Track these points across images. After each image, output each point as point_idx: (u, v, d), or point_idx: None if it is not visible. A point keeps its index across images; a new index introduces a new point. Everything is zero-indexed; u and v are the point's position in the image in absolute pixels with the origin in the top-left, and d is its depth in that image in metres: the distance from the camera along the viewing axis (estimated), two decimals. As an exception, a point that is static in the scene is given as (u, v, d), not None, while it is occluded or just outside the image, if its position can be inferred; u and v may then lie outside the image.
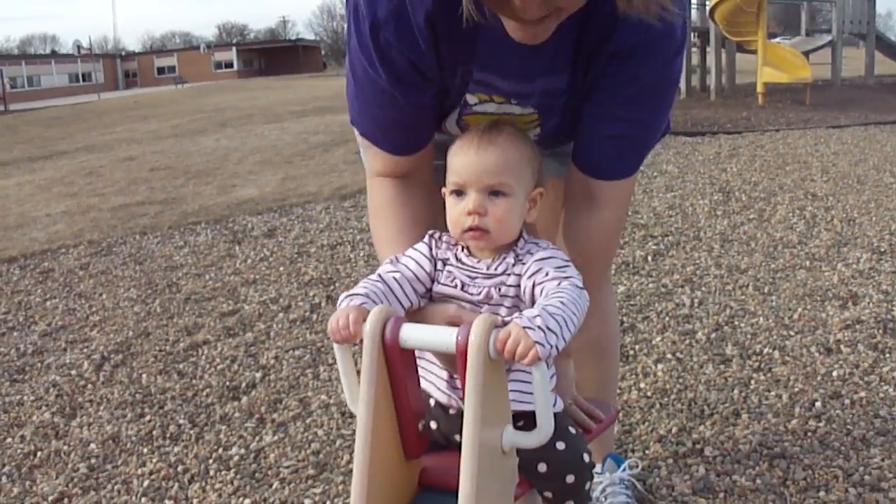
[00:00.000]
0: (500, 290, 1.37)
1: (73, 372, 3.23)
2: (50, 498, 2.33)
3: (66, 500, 2.32)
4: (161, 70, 66.01)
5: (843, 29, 13.36)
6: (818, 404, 2.57)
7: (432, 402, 1.45)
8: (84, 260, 4.99)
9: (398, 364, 1.30)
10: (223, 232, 5.48)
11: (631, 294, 3.67)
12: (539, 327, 1.17)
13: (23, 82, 52.68)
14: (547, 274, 1.32)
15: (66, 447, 2.63)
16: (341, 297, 1.33)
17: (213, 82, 48.75)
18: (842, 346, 3.00)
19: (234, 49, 70.86)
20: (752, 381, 2.76)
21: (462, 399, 1.34)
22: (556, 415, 1.30)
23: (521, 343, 1.16)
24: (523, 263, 1.37)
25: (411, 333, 1.27)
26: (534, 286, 1.33)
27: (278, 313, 3.75)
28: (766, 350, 3.00)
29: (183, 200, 6.78)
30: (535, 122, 1.52)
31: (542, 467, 1.38)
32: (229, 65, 66.94)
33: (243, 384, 3.00)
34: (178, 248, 5.11)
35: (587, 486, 1.44)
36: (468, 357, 1.19)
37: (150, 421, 2.77)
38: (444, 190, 1.41)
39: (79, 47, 57.36)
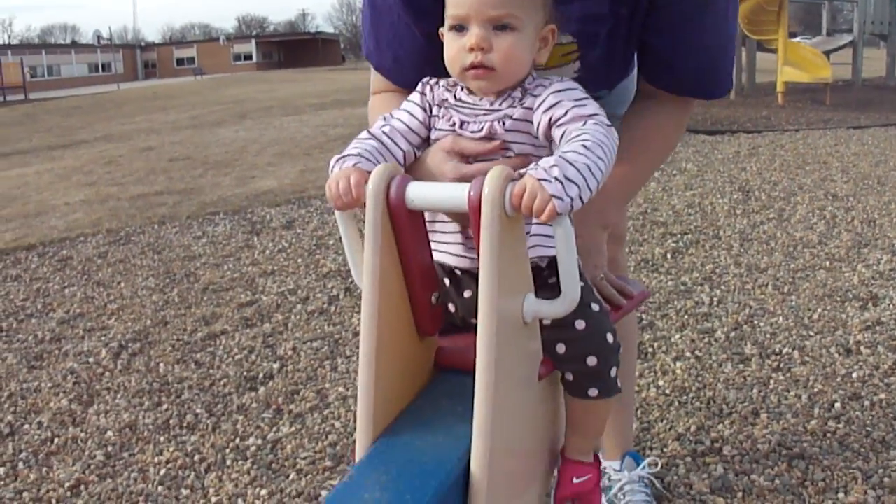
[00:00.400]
0: (503, 123, 1.23)
1: (91, 360, 3.24)
2: (66, 484, 2.34)
3: (82, 487, 2.33)
4: (180, 61, 66.25)
5: (864, 29, 13.25)
6: (837, 405, 2.55)
7: (447, 281, 1.31)
8: (102, 248, 5.01)
9: (406, 228, 1.17)
10: (241, 223, 5.49)
11: (650, 291, 3.65)
12: (556, 178, 1.03)
13: (43, 72, 52.98)
14: (566, 112, 1.18)
15: (83, 434, 2.64)
16: (332, 162, 1.22)
17: (232, 74, 48.89)
18: (861, 348, 2.97)
19: (253, 41, 71.01)
20: (772, 381, 2.74)
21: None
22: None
23: (538, 197, 1.03)
24: (534, 96, 1.23)
25: (419, 192, 1.14)
26: (550, 124, 1.20)
27: (296, 305, 3.75)
28: (785, 350, 2.98)
29: (201, 191, 6.80)
30: (575, 55, 1.44)
31: (561, 348, 1.26)
32: (248, 57, 67.11)
33: (261, 375, 3.00)
34: (197, 239, 5.12)
35: (613, 373, 1.30)
36: (482, 214, 1.06)
37: (167, 410, 2.78)
38: (441, 29, 1.27)
39: (99, 37, 57.67)
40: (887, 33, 13.71)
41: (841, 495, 2.10)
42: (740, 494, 2.11)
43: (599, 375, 1.29)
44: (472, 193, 1.08)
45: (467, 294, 1.29)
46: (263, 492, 2.25)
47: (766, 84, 11.90)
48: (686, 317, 3.35)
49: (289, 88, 23.59)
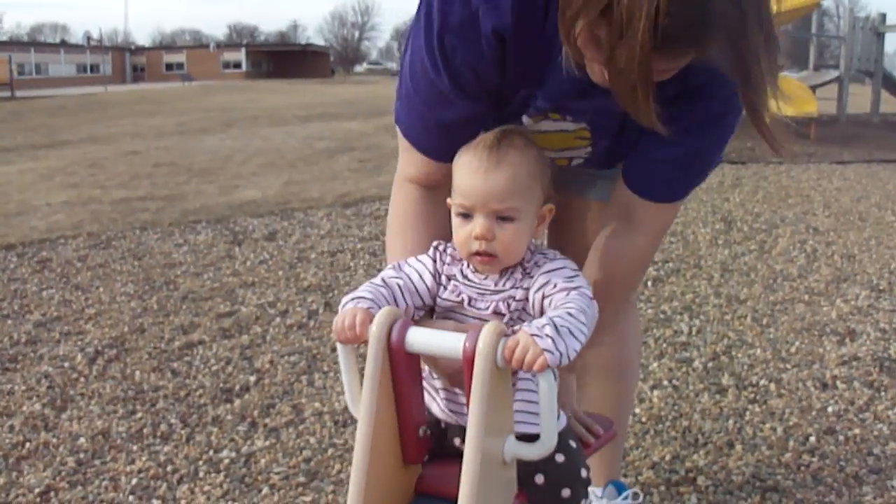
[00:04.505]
0: (508, 304, 1.35)
1: (66, 364, 3.22)
2: (36, 490, 2.31)
3: (52, 494, 2.31)
4: (169, 66, 65.99)
5: (850, 65, 13.40)
6: (812, 439, 2.57)
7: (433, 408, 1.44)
8: (82, 252, 4.98)
9: (403, 368, 1.28)
10: (223, 232, 5.47)
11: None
12: (548, 335, 1.16)
13: (31, 69, 52.64)
14: (555, 286, 1.30)
15: (54, 440, 2.61)
16: (346, 299, 1.32)
17: (220, 81, 48.80)
18: (838, 382, 2.99)
19: (243, 49, 70.87)
20: (748, 413, 2.75)
21: (462, 415, 1.34)
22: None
23: (530, 351, 1.15)
24: (531, 276, 1.35)
25: (418, 337, 1.26)
26: (542, 298, 1.32)
27: (275, 317, 3.74)
28: (762, 382, 2.99)
29: (184, 198, 6.78)
30: (587, 141, 1.49)
31: (540, 479, 1.36)
32: (237, 65, 66.97)
33: (237, 387, 2.98)
34: (178, 246, 5.10)
35: (582, 503, 1.42)
36: (475, 364, 1.18)
37: (141, 418, 2.75)
38: (449, 200, 1.38)
39: (88, 38, 57.55)
40: (873, 70, 13.86)
41: (813, 530, 2.10)
42: (713, 526, 2.12)
43: None
44: (467, 344, 1.20)
45: (456, 442, 1.40)
46: (235, 505, 2.23)
47: (751, 116, 11.97)
48: (664, 345, 3.36)
49: (276, 99, 23.57)
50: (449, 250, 1.42)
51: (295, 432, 2.64)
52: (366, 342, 1.27)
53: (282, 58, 70.68)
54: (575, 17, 1.11)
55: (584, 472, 1.41)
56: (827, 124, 12.55)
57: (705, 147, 1.46)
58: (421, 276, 1.40)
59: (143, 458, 2.48)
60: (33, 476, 2.39)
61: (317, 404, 2.83)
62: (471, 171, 1.33)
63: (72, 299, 4.06)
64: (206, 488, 2.32)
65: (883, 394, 2.90)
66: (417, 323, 1.37)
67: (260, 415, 2.77)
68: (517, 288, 1.35)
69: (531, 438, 1.26)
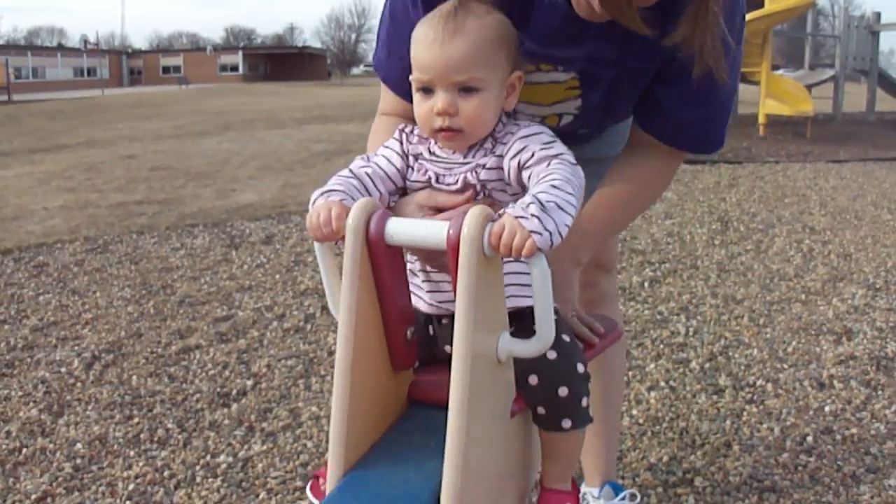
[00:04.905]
0: (477, 173, 1.27)
1: (63, 369, 3.21)
2: (33, 496, 2.31)
3: (49, 500, 2.31)
4: (166, 69, 66.04)
5: (846, 64, 13.42)
6: (809, 439, 2.57)
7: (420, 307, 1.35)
8: (79, 256, 4.97)
9: (384, 263, 1.18)
10: (220, 236, 5.47)
11: (626, 320, 3.66)
12: (533, 215, 1.07)
13: (27, 73, 52.65)
14: (533, 154, 1.22)
15: (51, 445, 2.61)
16: (315, 194, 1.24)
17: (217, 84, 48.80)
18: (835, 382, 2.99)
19: (240, 52, 70.92)
20: (745, 413, 2.75)
21: (452, 302, 1.21)
22: None
23: (517, 235, 1.06)
24: (504, 143, 1.27)
25: (398, 228, 1.16)
26: (520, 168, 1.23)
27: (272, 321, 3.74)
28: (759, 382, 3.00)
29: (182, 202, 6.77)
30: (577, 92, 1.47)
31: (533, 379, 1.27)
32: (235, 68, 67.00)
33: (234, 391, 2.98)
34: (175, 250, 5.10)
35: (584, 403, 1.32)
36: (460, 253, 1.08)
37: (138, 423, 2.75)
38: (411, 77, 1.30)
39: (85, 42, 57.54)
40: (868, 69, 13.89)
41: (810, 531, 2.11)
42: (710, 527, 2.12)
43: (571, 406, 1.31)
44: (451, 232, 1.10)
45: (447, 349, 1.29)
46: (232, 510, 2.23)
47: (748, 115, 11.99)
48: (662, 346, 3.36)
49: (273, 101, 23.57)
50: (416, 131, 1.35)
51: (292, 436, 2.64)
52: (343, 237, 1.18)
53: (279, 60, 70.74)
54: None
55: (580, 368, 1.31)
56: (823, 123, 12.57)
57: (721, 92, 1.43)
58: (389, 161, 1.34)
59: (140, 464, 2.48)
60: (30, 482, 2.39)
61: (314, 408, 2.83)
62: (427, 42, 1.25)
63: (68, 304, 4.06)
64: (204, 493, 2.32)
65: (880, 393, 2.91)
66: (393, 210, 1.29)
67: (257, 419, 2.76)
68: (487, 156, 1.27)
69: (524, 327, 1.18)
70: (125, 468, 2.46)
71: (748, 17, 10.35)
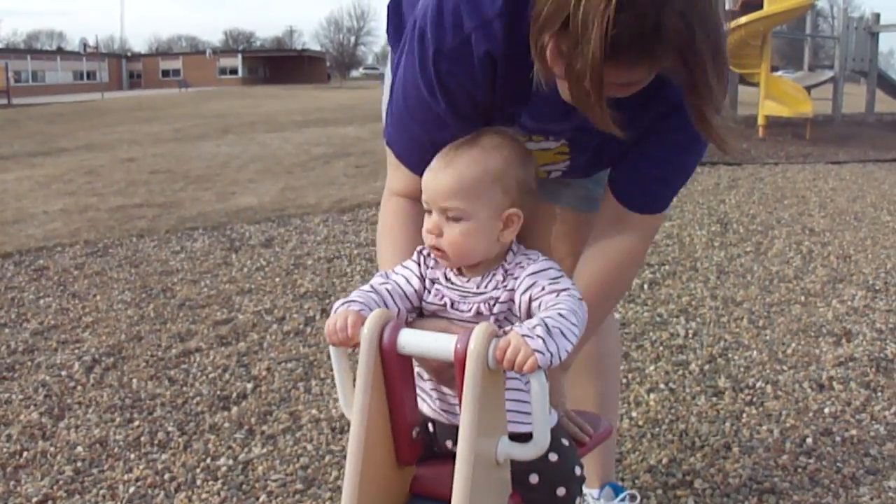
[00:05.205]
0: (490, 305, 1.35)
1: (63, 373, 3.22)
2: (34, 499, 2.31)
3: (50, 503, 2.31)
4: (166, 73, 66.09)
5: (845, 65, 13.42)
6: (809, 440, 2.57)
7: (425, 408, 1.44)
8: (79, 260, 4.98)
9: (395, 370, 1.28)
10: (220, 239, 5.47)
11: (626, 322, 3.67)
12: (539, 336, 1.17)
13: (27, 77, 52.66)
14: (543, 288, 1.31)
15: (52, 448, 2.61)
16: (337, 304, 1.33)
17: (216, 87, 48.81)
18: (834, 383, 3.00)
19: (239, 56, 70.96)
20: (744, 415, 2.76)
21: (454, 414, 1.34)
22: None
23: (521, 351, 1.16)
24: (515, 278, 1.35)
25: (409, 339, 1.26)
26: (530, 301, 1.32)
27: (272, 324, 3.74)
28: (758, 384, 3.00)
29: (181, 205, 6.78)
30: (566, 157, 1.55)
31: (534, 478, 1.37)
32: (234, 71, 67.05)
33: (234, 394, 2.99)
34: (175, 253, 5.10)
35: (577, 501, 1.43)
36: (467, 365, 1.18)
37: (138, 426, 2.75)
38: None
39: (85, 45, 57.55)
40: (867, 70, 13.89)
41: (809, 532, 2.11)
42: (710, 529, 2.12)
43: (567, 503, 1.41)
44: (458, 346, 1.21)
45: (448, 444, 1.41)
46: (233, 513, 2.23)
47: (747, 117, 11.99)
48: (661, 348, 3.36)
49: (273, 105, 23.59)
50: (433, 255, 1.43)
51: (292, 439, 2.64)
52: (358, 344, 1.27)
53: (278, 63, 70.77)
54: (541, 30, 1.22)
55: (578, 470, 1.42)
56: (822, 124, 12.57)
57: (687, 160, 1.53)
58: (408, 280, 1.41)
59: (141, 467, 2.49)
60: (31, 485, 2.39)
61: (314, 411, 2.84)
62: (429, 169, 1.37)
63: (69, 307, 4.06)
64: (204, 496, 2.32)
65: (879, 394, 2.91)
66: (410, 325, 1.37)
67: (257, 422, 2.77)
68: (499, 289, 1.35)
69: (523, 438, 1.27)
70: (125, 471, 2.47)
71: (747, 18, 10.39)
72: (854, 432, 2.62)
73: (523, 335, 1.17)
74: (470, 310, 1.36)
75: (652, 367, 3.16)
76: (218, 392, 3.01)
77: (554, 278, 1.32)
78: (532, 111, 1.45)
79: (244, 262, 4.86)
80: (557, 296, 1.28)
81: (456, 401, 1.31)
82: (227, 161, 9.71)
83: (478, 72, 1.38)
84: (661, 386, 2.99)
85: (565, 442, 1.42)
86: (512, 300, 1.34)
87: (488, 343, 1.18)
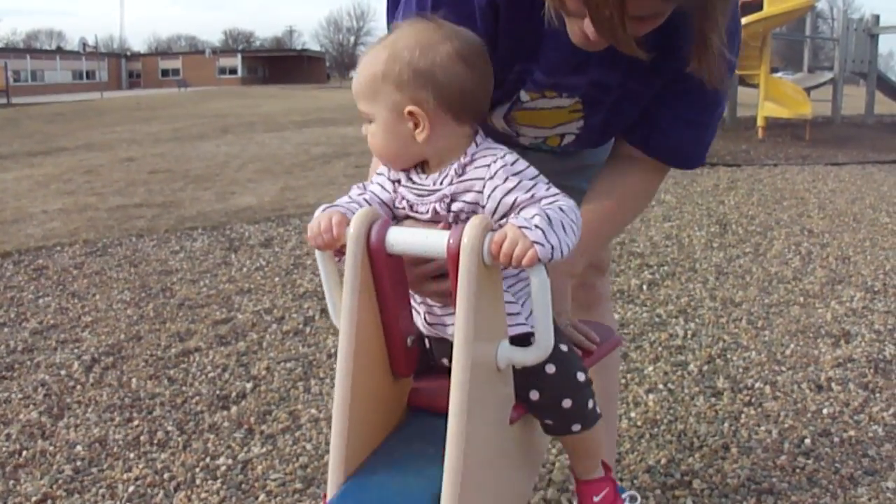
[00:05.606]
0: (447, 204, 1.24)
1: (63, 372, 3.22)
2: (33, 499, 2.31)
3: (49, 502, 2.31)
4: (165, 72, 66.14)
5: (845, 67, 13.44)
6: (807, 441, 2.57)
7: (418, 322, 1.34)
8: (79, 259, 4.98)
9: (385, 271, 1.19)
10: (220, 239, 5.48)
11: (625, 322, 3.67)
12: (538, 226, 1.07)
13: (27, 76, 52.70)
14: (533, 196, 1.18)
15: (51, 448, 2.62)
16: (318, 211, 1.26)
17: (216, 87, 48.81)
18: (833, 384, 3.00)
19: (238, 55, 71.00)
20: (743, 416, 2.76)
21: (444, 326, 1.25)
22: None
23: (519, 244, 1.06)
24: (477, 168, 1.22)
25: (399, 237, 1.17)
26: (513, 206, 1.18)
27: (272, 324, 3.74)
28: (757, 385, 3.00)
29: (181, 205, 6.78)
30: (580, 115, 1.50)
31: (535, 395, 1.28)
32: (233, 71, 67.07)
33: (233, 394, 2.99)
34: (174, 253, 5.10)
35: (590, 405, 1.34)
36: (460, 262, 1.08)
37: (137, 426, 2.76)
38: None
39: (84, 45, 57.56)
40: (867, 72, 13.91)
41: (807, 533, 2.11)
42: (708, 529, 2.12)
43: (577, 413, 1.33)
44: (451, 241, 1.10)
45: (444, 361, 1.32)
46: (232, 512, 2.24)
47: (746, 118, 12.02)
48: (660, 349, 3.36)
49: (272, 104, 23.59)
50: None
51: (291, 439, 2.65)
52: (344, 247, 1.19)
53: (278, 63, 70.81)
54: None
55: (581, 376, 1.31)
56: (821, 126, 12.60)
57: (710, 100, 1.48)
58: (383, 187, 1.33)
59: (140, 466, 2.49)
60: (30, 484, 2.39)
61: (313, 410, 2.84)
62: None
63: (68, 307, 4.06)
64: (203, 495, 2.32)
65: (878, 395, 2.91)
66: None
67: (256, 421, 2.77)
68: (452, 183, 1.24)
69: (525, 343, 1.18)
70: (125, 470, 2.47)
71: (747, 20, 10.39)
72: (852, 433, 2.63)
73: (520, 226, 1.07)
74: (427, 211, 1.26)
75: (651, 368, 3.16)
76: (217, 392, 3.01)
77: (533, 177, 1.20)
78: (543, 64, 1.40)
79: (243, 261, 4.86)
80: (553, 196, 1.18)
81: (443, 314, 1.23)
82: (226, 161, 9.71)
83: (478, 22, 1.32)
84: (660, 386, 3.00)
85: (563, 348, 1.30)
86: (468, 190, 1.22)
87: (483, 236, 1.08)
